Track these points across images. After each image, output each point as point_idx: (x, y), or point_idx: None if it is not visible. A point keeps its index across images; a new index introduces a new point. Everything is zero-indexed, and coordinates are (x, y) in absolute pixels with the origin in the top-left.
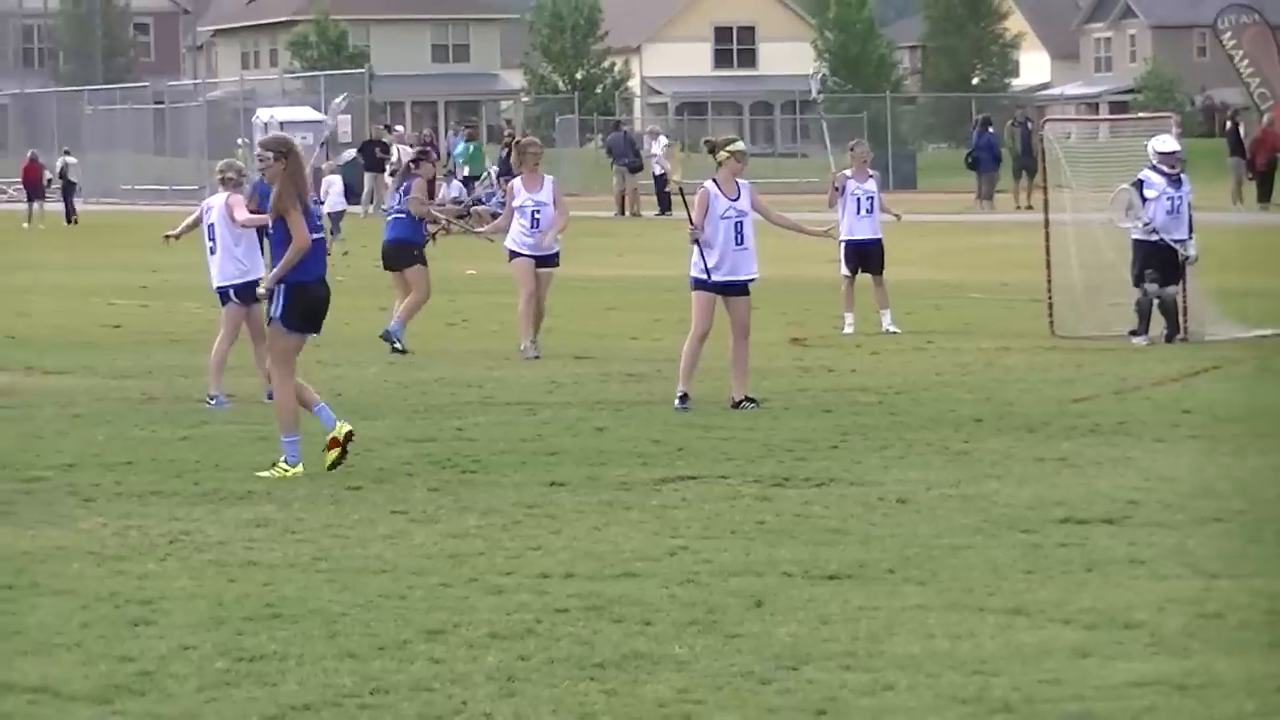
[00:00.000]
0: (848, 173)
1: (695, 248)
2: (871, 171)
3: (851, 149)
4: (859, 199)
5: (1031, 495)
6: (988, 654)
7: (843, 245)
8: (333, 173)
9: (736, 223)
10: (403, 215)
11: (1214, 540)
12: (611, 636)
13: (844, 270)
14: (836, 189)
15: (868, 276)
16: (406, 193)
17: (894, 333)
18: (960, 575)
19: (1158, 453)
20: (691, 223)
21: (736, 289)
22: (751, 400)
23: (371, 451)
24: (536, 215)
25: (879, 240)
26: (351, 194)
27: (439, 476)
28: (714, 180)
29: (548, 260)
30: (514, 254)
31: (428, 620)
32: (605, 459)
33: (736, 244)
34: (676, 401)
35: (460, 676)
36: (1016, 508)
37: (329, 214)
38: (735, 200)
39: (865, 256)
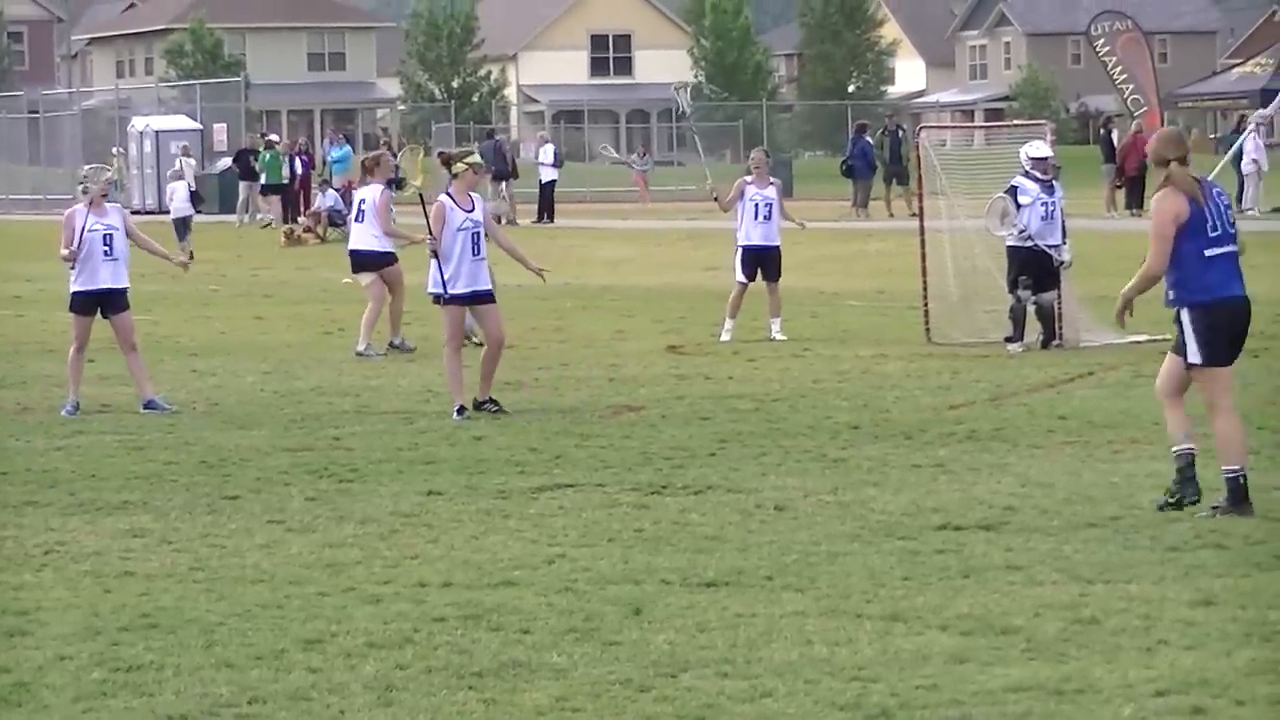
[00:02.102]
0: (749, 178)
1: (433, 261)
2: (773, 179)
3: (752, 157)
4: (758, 205)
5: (908, 502)
6: (865, 660)
7: (740, 251)
8: (176, 179)
9: (473, 234)
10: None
11: (1090, 546)
12: (489, 645)
13: (740, 276)
14: (734, 195)
15: (761, 283)
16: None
17: (780, 340)
18: (838, 582)
19: (1034, 459)
20: (431, 235)
21: (482, 299)
22: (495, 403)
23: (248, 461)
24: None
25: (777, 247)
26: (199, 200)
27: (316, 486)
28: (449, 193)
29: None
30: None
31: (305, 630)
32: (483, 468)
33: (473, 255)
34: (455, 415)
35: (338, 686)
36: (894, 514)
37: (174, 220)
38: (470, 212)
39: (763, 263)
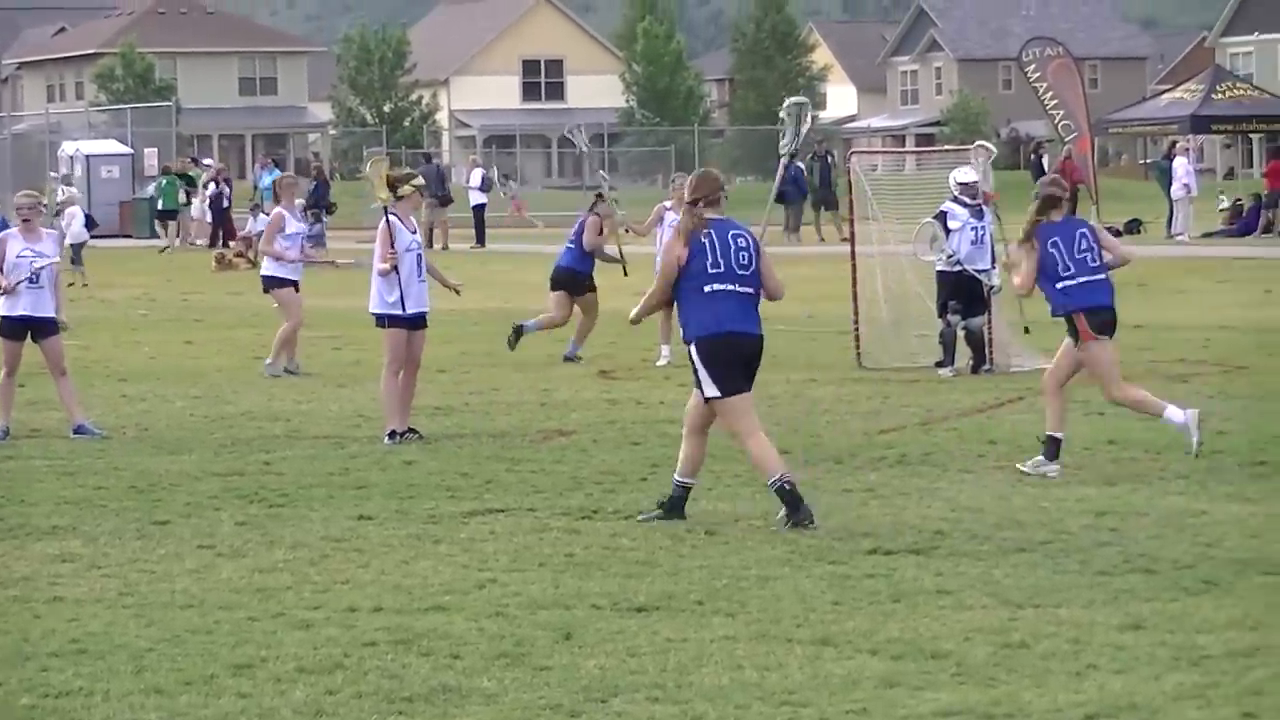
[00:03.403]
0: (668, 204)
1: (377, 282)
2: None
3: (673, 182)
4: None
5: (839, 526)
6: (796, 684)
7: None
8: (72, 204)
9: (417, 255)
10: (573, 245)
11: (1019, 570)
12: (420, 670)
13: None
14: (652, 219)
15: None
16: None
17: (663, 365)
18: (768, 606)
19: (964, 483)
20: (389, 248)
21: (421, 323)
22: (414, 431)
23: (178, 486)
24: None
25: None
26: (92, 224)
27: (246, 511)
28: (395, 214)
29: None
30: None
31: (235, 655)
32: (413, 492)
33: (418, 277)
34: (386, 439)
35: (268, 711)
36: (824, 539)
37: (70, 245)
38: (415, 233)
39: None
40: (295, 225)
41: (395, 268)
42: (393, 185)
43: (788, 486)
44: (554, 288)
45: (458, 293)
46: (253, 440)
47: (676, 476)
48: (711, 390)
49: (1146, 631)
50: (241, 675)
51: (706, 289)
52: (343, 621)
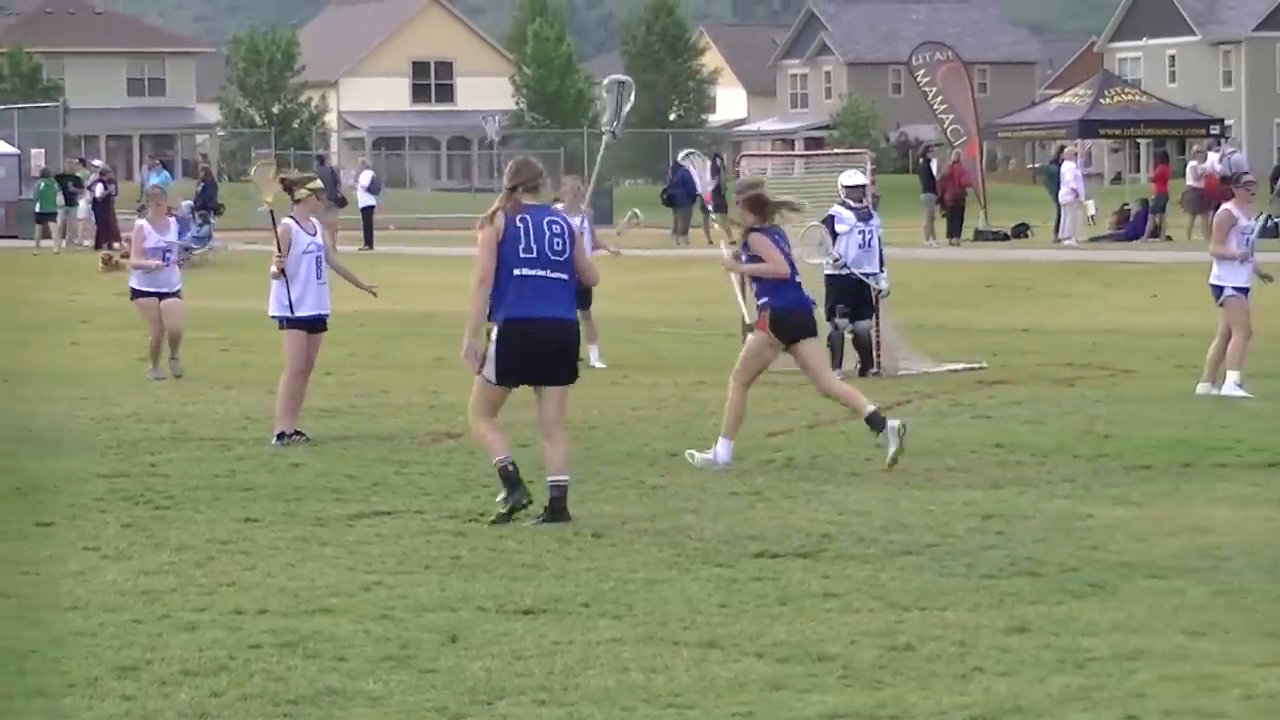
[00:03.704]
0: (560, 205)
1: (274, 285)
2: (585, 207)
3: (563, 184)
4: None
5: (726, 529)
6: (682, 687)
7: None
8: None
9: (316, 258)
10: None
11: (906, 573)
12: (305, 672)
13: None
14: None
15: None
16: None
17: (599, 368)
18: (655, 609)
19: (851, 486)
20: (279, 251)
21: (320, 326)
22: (300, 433)
23: (63, 488)
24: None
25: None
26: None
27: (131, 513)
28: (293, 216)
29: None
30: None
31: (119, 657)
32: (300, 494)
33: (317, 279)
34: (274, 440)
35: (152, 713)
36: (711, 542)
37: None
38: (314, 236)
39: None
40: (155, 238)
41: (284, 270)
42: (290, 188)
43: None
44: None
45: (374, 294)
46: (138, 442)
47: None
48: (489, 371)
49: (1032, 634)
50: (126, 678)
51: (516, 273)
52: (228, 624)
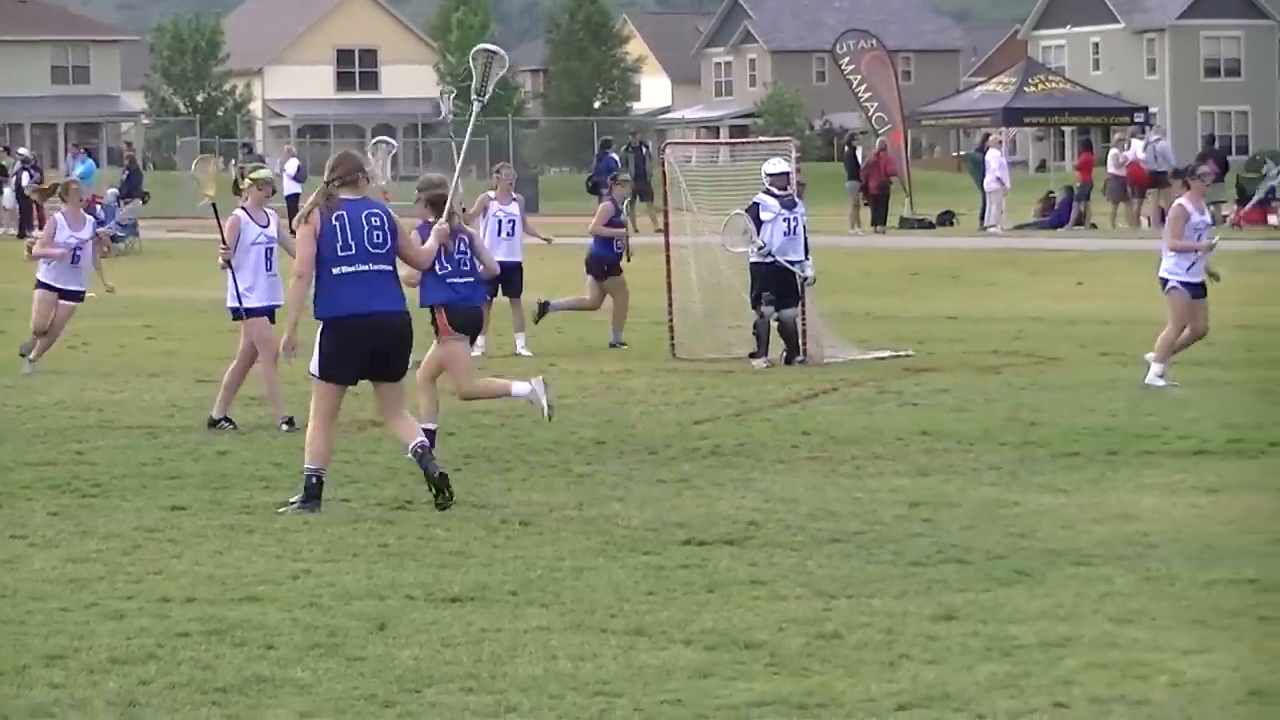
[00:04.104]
0: (491, 193)
1: (229, 275)
2: (515, 195)
3: (497, 172)
4: (500, 221)
5: (653, 517)
6: (610, 675)
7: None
8: None
9: (266, 249)
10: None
11: (833, 561)
12: (233, 660)
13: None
14: (476, 210)
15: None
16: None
17: (526, 356)
18: (583, 597)
19: (778, 474)
20: (224, 244)
21: (272, 315)
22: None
23: None
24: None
25: (519, 263)
26: None
27: (59, 501)
28: (244, 208)
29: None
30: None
31: (47, 645)
32: (227, 483)
33: (267, 270)
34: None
35: (80, 702)
36: (638, 529)
37: None
38: (265, 227)
39: (504, 279)
40: (66, 232)
41: (229, 262)
42: (237, 180)
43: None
44: (587, 271)
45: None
46: (65, 430)
47: (305, 465)
48: (313, 366)
49: (959, 622)
50: (54, 666)
51: (335, 271)
52: (156, 612)
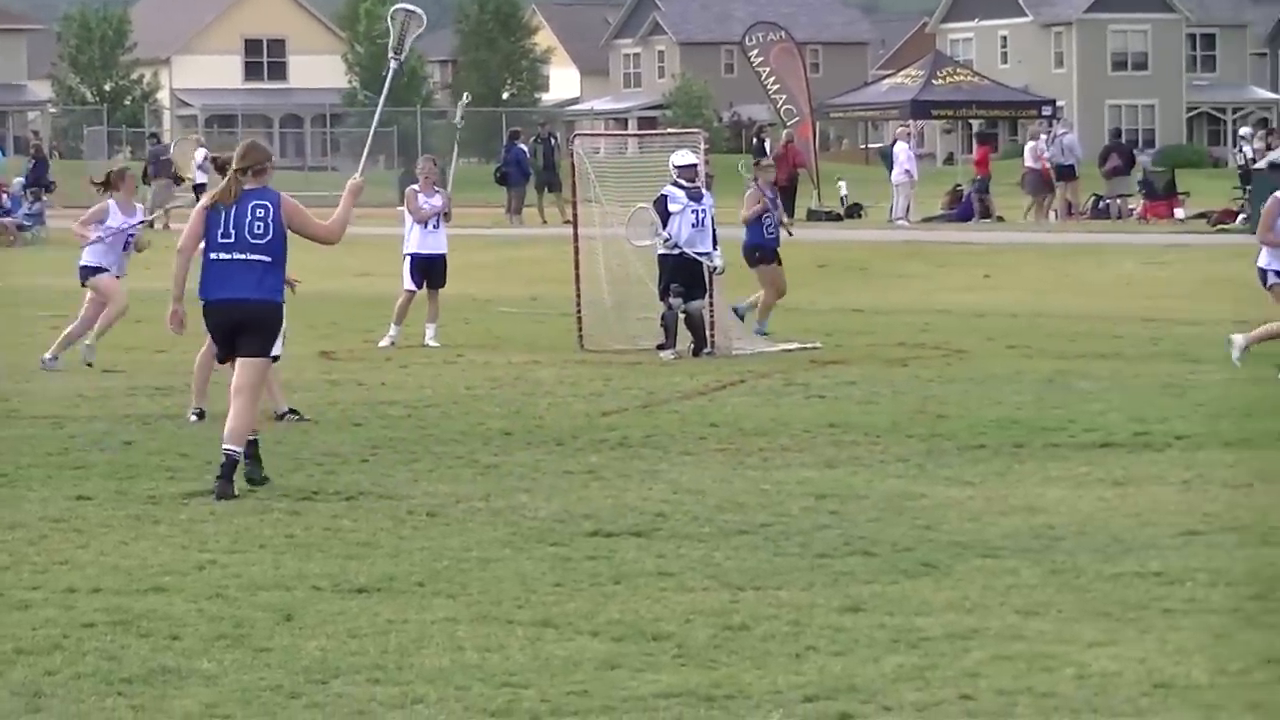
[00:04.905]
0: (417, 187)
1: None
2: (438, 187)
3: (421, 164)
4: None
5: (560, 508)
6: (516, 666)
7: (408, 259)
8: None
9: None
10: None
11: (740, 552)
12: (139, 651)
13: (408, 284)
14: (408, 204)
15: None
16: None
17: (434, 346)
18: (489, 588)
19: (685, 466)
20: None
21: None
22: (295, 412)
23: None
24: None
25: (444, 255)
26: None
27: None
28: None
29: None
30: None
31: None
32: (133, 473)
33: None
34: (191, 416)
35: None
36: (545, 520)
37: None
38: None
39: (431, 270)
40: (119, 218)
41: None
42: (220, 167)
43: (233, 457)
44: (749, 265)
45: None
46: None
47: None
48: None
49: (866, 614)
50: None
51: (212, 256)
52: (61, 602)
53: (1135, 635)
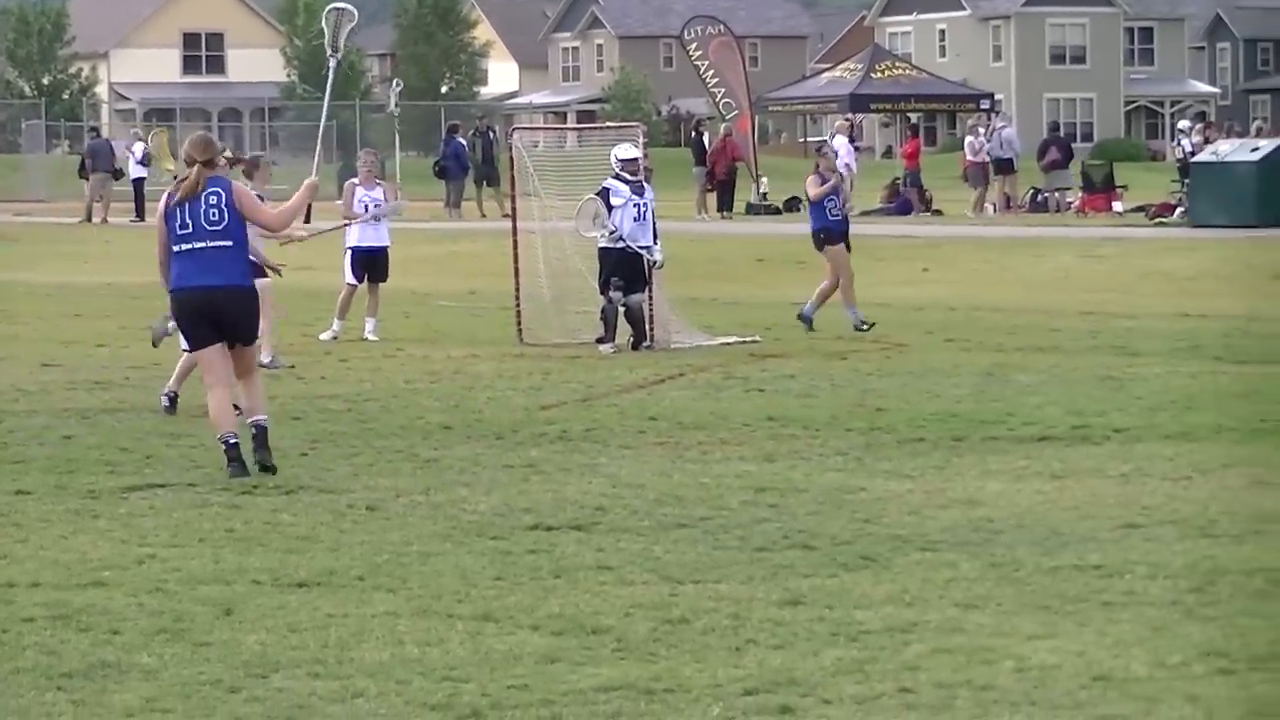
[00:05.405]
0: (357, 180)
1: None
2: (379, 180)
3: (361, 158)
4: (366, 206)
5: (500, 502)
6: (457, 660)
7: (349, 253)
8: None
9: None
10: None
11: (680, 546)
12: (79, 646)
13: (349, 278)
14: (346, 199)
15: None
16: None
17: (373, 341)
18: (430, 582)
19: (624, 459)
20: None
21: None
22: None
23: None
24: None
25: (386, 248)
26: None
27: None
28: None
29: None
30: None
31: None
32: (73, 467)
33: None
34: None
35: None
36: (485, 514)
37: None
38: None
39: (373, 264)
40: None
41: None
42: (233, 162)
43: (230, 442)
44: (817, 249)
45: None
46: None
47: (216, 436)
48: (183, 343)
49: (805, 607)
50: None
51: (176, 248)
52: (1, 597)
53: (1074, 628)
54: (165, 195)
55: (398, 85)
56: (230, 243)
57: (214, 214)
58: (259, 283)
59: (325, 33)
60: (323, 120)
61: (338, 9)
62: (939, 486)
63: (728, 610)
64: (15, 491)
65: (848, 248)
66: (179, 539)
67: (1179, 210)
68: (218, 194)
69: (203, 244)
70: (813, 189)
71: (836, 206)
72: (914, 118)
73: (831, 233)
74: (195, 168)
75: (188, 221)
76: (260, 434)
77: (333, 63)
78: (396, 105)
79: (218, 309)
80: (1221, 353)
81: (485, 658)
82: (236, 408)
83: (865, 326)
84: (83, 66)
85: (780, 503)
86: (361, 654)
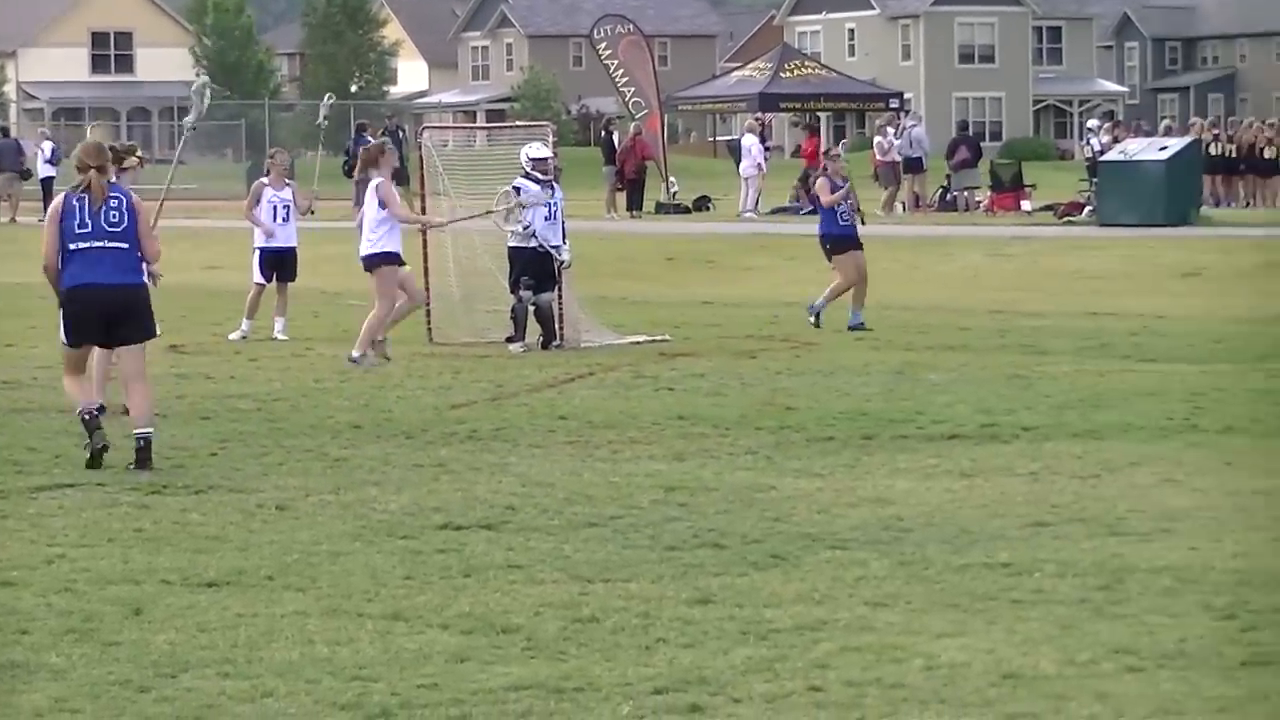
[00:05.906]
0: (266, 180)
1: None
2: (289, 180)
3: (271, 157)
4: (275, 207)
5: (410, 501)
6: (367, 659)
7: (258, 253)
8: None
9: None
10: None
11: (590, 545)
12: None
13: (257, 278)
14: (251, 199)
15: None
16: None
17: (283, 340)
18: (339, 581)
19: (534, 458)
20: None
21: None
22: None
23: None
24: None
25: (294, 248)
26: None
27: None
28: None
29: None
30: None
31: None
32: None
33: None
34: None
35: None
36: (395, 514)
37: None
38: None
39: (281, 264)
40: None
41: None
42: (119, 157)
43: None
44: (827, 257)
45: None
46: None
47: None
48: (61, 335)
49: (715, 606)
50: None
51: (72, 246)
52: None
53: (983, 626)
54: (61, 197)
55: (330, 99)
56: (126, 245)
57: (115, 216)
58: (401, 272)
59: (195, 105)
60: (168, 183)
61: (204, 83)
62: (849, 485)
63: (638, 609)
64: None
65: (859, 249)
66: (88, 539)
67: (1087, 209)
68: (119, 198)
69: (101, 243)
70: (825, 195)
71: (847, 212)
72: (815, 117)
73: (839, 240)
74: (91, 172)
75: (87, 221)
76: (144, 448)
77: (188, 133)
78: (325, 118)
79: (113, 307)
80: (1129, 351)
81: (395, 657)
82: (126, 411)
83: (860, 330)
84: None
85: (690, 501)
86: (271, 653)
